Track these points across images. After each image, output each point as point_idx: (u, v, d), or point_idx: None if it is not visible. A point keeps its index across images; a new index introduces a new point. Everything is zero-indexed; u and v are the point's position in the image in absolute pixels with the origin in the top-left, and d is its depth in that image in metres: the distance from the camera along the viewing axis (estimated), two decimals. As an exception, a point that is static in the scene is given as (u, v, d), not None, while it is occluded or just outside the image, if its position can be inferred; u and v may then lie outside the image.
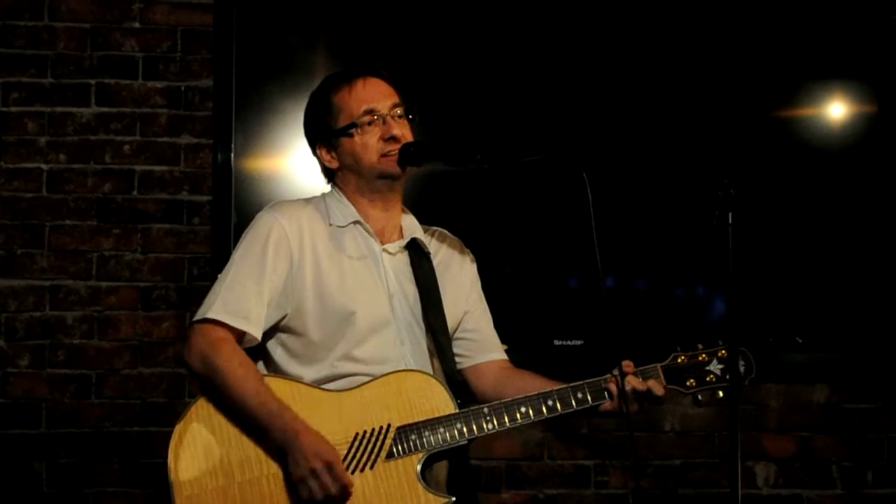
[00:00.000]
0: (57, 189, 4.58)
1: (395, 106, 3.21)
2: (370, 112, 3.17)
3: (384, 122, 3.18)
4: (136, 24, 4.68)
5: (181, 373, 4.47)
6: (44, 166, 4.59)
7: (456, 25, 4.73)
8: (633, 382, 3.09)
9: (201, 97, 4.67)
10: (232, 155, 4.60)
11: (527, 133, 4.65)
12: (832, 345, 4.74)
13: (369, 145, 3.16)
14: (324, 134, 3.22)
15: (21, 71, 4.61)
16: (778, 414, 4.75)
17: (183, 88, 4.67)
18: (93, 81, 4.63)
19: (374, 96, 3.20)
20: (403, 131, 3.20)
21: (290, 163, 4.60)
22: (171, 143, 4.65)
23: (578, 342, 4.59)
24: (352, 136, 3.17)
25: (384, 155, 3.16)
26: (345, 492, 2.95)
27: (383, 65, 3.30)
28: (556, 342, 4.60)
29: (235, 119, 4.61)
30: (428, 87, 4.59)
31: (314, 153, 3.29)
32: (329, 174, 3.29)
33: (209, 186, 4.62)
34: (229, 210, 4.57)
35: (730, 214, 3.07)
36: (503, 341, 3.43)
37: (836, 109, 4.86)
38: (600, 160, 4.55)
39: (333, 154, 3.23)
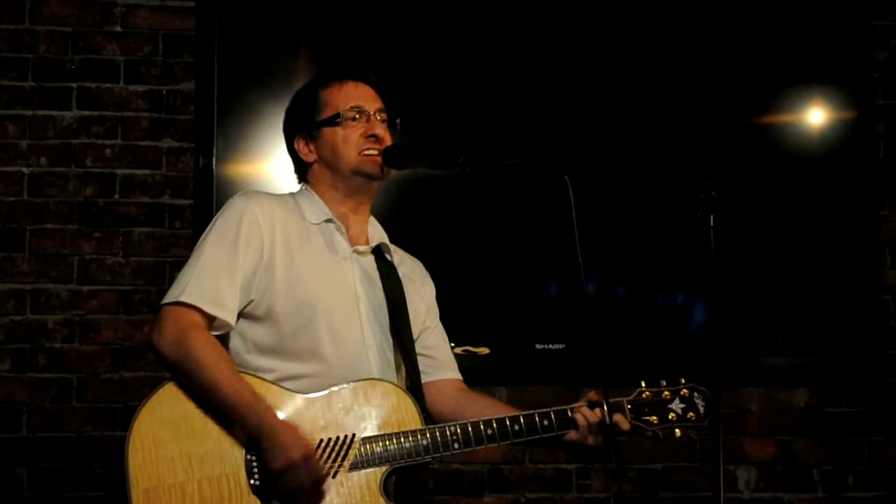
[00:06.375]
0: (38, 193, 4.57)
1: (380, 110, 3.26)
2: (357, 108, 3.21)
3: (368, 120, 3.21)
4: (118, 28, 4.67)
5: (163, 376, 4.41)
6: (25, 170, 4.58)
7: (437, 29, 4.74)
8: (599, 415, 3.09)
9: (183, 101, 4.67)
10: (214, 159, 4.59)
11: (509, 136, 4.66)
12: (813, 349, 4.75)
13: (350, 140, 3.19)
14: (305, 125, 3.24)
15: (2, 74, 4.59)
16: (759, 418, 4.76)
17: (164, 92, 4.67)
18: (74, 85, 4.62)
19: (362, 97, 3.24)
20: (385, 134, 3.24)
21: (272, 167, 4.59)
22: (152, 146, 4.64)
23: (560, 346, 4.59)
24: (334, 127, 3.20)
25: (363, 153, 3.19)
26: (318, 486, 2.93)
27: (374, 73, 3.32)
28: (538, 346, 4.59)
29: (217, 123, 4.61)
30: (410, 91, 4.59)
31: (290, 146, 3.30)
32: (302, 170, 3.30)
33: (191, 190, 4.62)
34: (211, 214, 4.52)
35: (711, 217, 3.09)
36: (485, 344, 3.44)
37: (816, 115, 4.87)
38: (582, 163, 4.56)
39: (311, 147, 3.24)
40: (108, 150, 4.62)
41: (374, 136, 3.20)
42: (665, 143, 4.75)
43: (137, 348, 4.53)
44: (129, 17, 4.68)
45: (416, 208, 4.44)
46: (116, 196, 4.60)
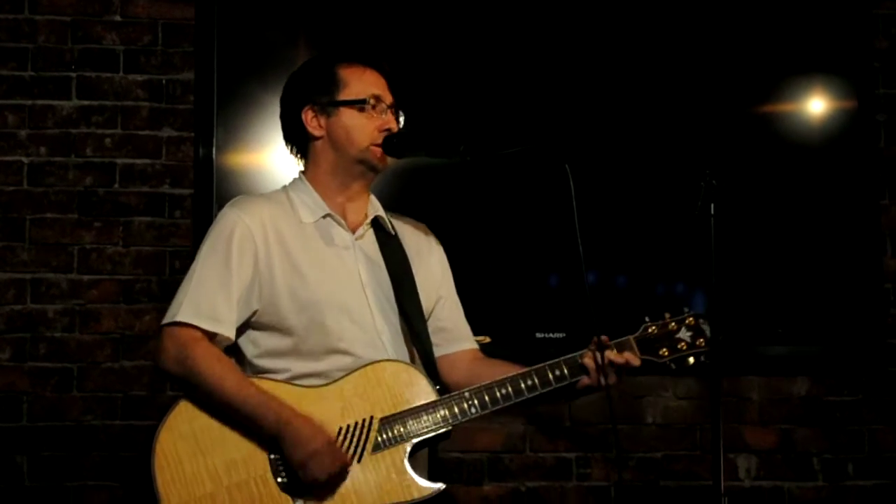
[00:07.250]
0: (38, 182, 4.57)
1: (393, 105, 3.25)
2: (378, 98, 3.20)
3: (385, 114, 3.21)
4: (117, 17, 4.66)
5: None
6: (24, 159, 4.58)
7: (437, 17, 4.73)
8: (609, 355, 3.09)
9: (183, 90, 4.66)
10: (213, 148, 4.59)
11: (509, 125, 4.65)
12: (813, 337, 4.75)
13: (367, 129, 3.18)
14: (322, 100, 3.20)
15: (1, 64, 4.59)
16: (759, 406, 4.76)
17: (164, 82, 4.66)
18: (73, 74, 4.62)
19: (382, 88, 3.23)
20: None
21: (272, 157, 4.59)
22: (152, 136, 4.64)
23: (561, 335, 4.59)
24: (356, 111, 3.18)
25: (374, 144, 3.18)
26: (344, 469, 2.96)
27: (392, 66, 3.31)
28: (539, 335, 4.59)
29: (217, 113, 4.60)
30: (410, 79, 4.57)
31: (294, 114, 3.24)
32: (302, 141, 3.26)
33: (191, 180, 4.61)
34: (211, 204, 4.55)
35: (711, 205, 3.09)
36: (485, 333, 3.43)
37: (817, 104, 4.87)
38: (583, 152, 4.56)
39: (322, 121, 3.20)
40: (107, 140, 4.61)
41: (388, 130, 3.19)
42: (665, 132, 4.75)
43: (138, 338, 4.53)
44: (129, 6, 4.67)
45: (417, 197, 4.43)
46: (116, 185, 4.60)
